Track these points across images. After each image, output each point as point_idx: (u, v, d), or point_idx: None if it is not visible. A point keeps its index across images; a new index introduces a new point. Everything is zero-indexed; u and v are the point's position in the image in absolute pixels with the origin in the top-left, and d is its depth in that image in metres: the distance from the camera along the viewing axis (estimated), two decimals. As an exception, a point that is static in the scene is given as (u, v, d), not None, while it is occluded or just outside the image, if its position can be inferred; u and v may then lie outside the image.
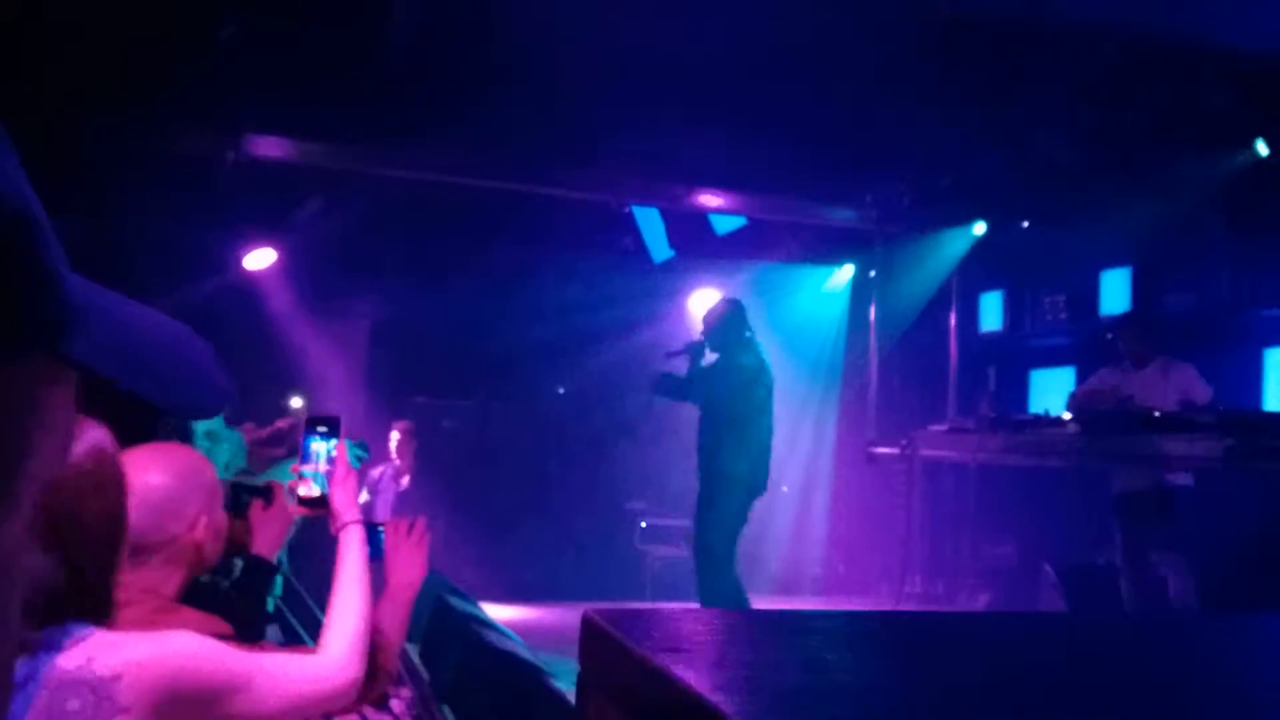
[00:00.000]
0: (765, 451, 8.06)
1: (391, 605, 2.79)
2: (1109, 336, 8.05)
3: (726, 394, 7.94)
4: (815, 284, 12.86)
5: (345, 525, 2.59)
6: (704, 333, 8.21)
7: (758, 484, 7.99)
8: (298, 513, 2.74)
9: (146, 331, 0.69)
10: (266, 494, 3.05)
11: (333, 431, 2.73)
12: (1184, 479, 7.22)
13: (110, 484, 1.88)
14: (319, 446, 2.72)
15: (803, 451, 12.60)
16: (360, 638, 2.36)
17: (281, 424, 7.47)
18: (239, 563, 3.07)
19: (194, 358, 0.72)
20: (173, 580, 2.50)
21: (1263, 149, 8.32)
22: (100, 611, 1.81)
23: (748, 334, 8.11)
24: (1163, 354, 7.55)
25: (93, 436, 1.79)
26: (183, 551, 2.53)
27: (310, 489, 2.69)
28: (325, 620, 2.40)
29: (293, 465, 2.74)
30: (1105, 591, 7.87)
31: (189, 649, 1.91)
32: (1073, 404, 7.61)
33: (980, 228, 10.72)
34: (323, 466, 2.70)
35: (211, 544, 2.61)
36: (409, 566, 2.84)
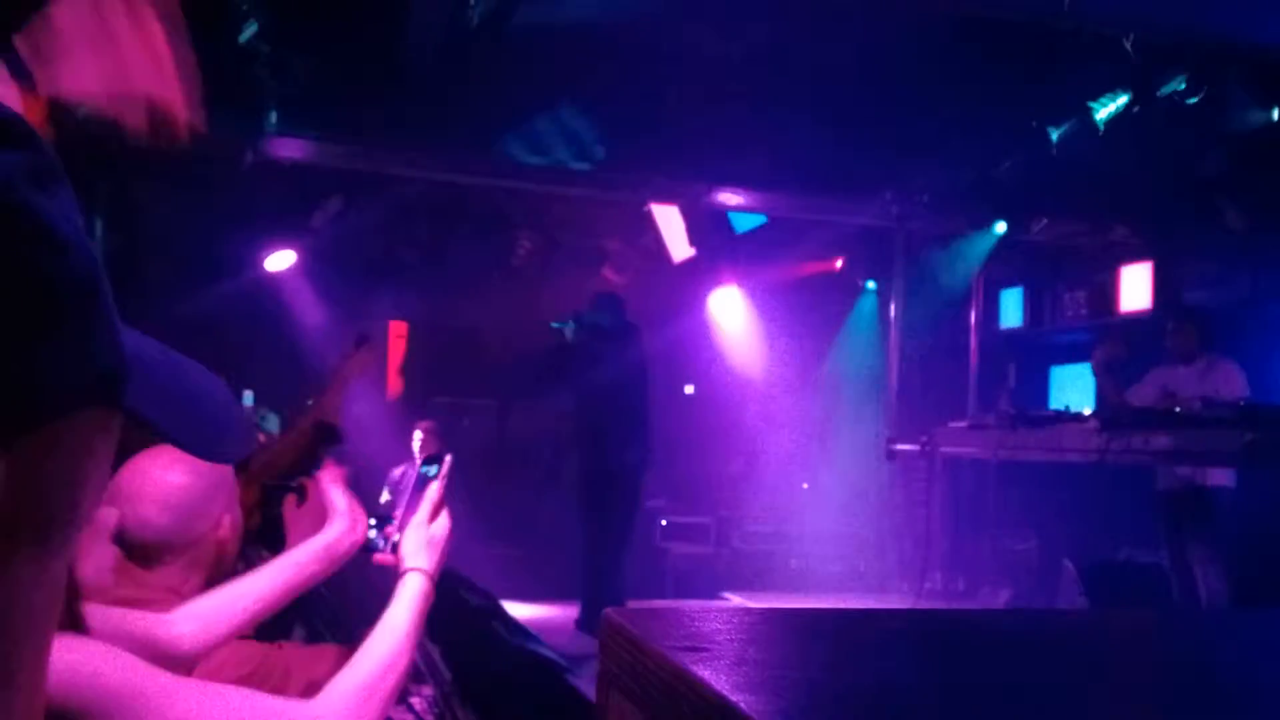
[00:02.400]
0: None
1: None
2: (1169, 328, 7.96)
3: (630, 381, 7.95)
4: (835, 281, 12.84)
5: (404, 571, 2.22)
6: (600, 316, 8.18)
7: None
8: (380, 561, 2.34)
9: (184, 379, 0.72)
10: (300, 492, 3.06)
11: (434, 468, 2.39)
12: (1224, 478, 7.20)
13: None
14: (409, 480, 2.37)
15: (823, 448, 12.60)
16: (370, 697, 1.91)
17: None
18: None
19: (223, 405, 0.74)
20: (193, 580, 2.52)
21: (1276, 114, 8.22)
22: None
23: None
24: (1210, 351, 7.54)
25: None
26: (207, 551, 2.54)
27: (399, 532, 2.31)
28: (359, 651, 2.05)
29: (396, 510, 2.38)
30: (1126, 587, 7.86)
31: (90, 665, 1.54)
32: (1115, 398, 7.57)
33: (1001, 226, 10.68)
34: (403, 502, 2.35)
35: (233, 544, 2.63)
36: None
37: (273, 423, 7.44)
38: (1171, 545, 7.51)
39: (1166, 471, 7.38)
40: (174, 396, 0.69)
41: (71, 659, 1.50)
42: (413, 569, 2.23)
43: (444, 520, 2.33)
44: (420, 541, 2.27)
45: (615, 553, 8.07)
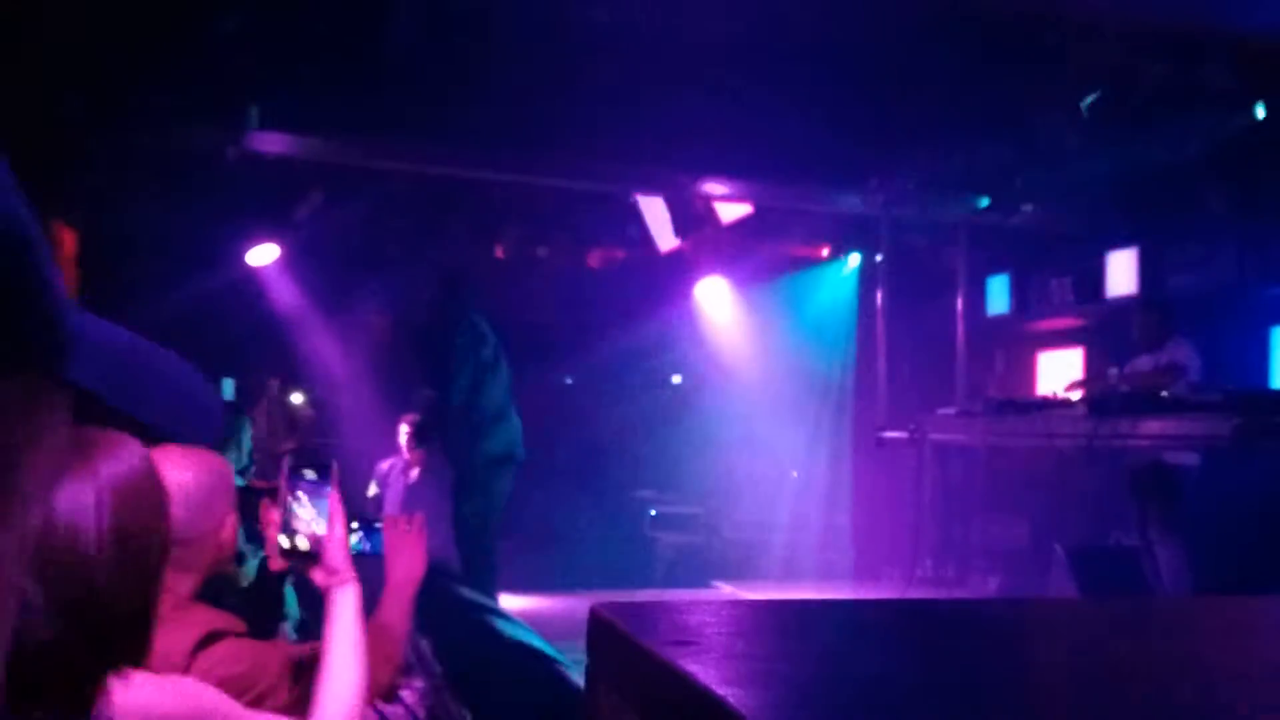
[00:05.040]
0: None
1: (394, 601, 2.82)
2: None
3: (475, 376, 7.79)
4: (821, 270, 12.85)
5: (345, 583, 2.32)
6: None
7: None
8: (277, 567, 2.38)
9: (143, 357, 0.70)
10: (277, 494, 3.06)
11: (324, 475, 2.38)
12: (1190, 458, 7.27)
13: (161, 505, 1.69)
14: (305, 491, 2.36)
15: (811, 437, 12.61)
16: (355, 710, 2.17)
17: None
18: (255, 561, 3.07)
19: (189, 385, 0.72)
20: (191, 579, 2.52)
21: (1260, 112, 8.25)
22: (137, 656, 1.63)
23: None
24: (1176, 335, 7.58)
25: (135, 452, 1.60)
26: (208, 550, 2.54)
27: (297, 541, 2.33)
28: (319, 686, 2.20)
29: (268, 512, 2.39)
30: (1116, 572, 7.88)
31: (202, 706, 1.78)
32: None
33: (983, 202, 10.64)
34: (310, 514, 2.36)
35: (231, 547, 2.63)
36: (409, 562, 2.86)
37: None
38: (1141, 526, 7.62)
39: (1135, 450, 7.44)
40: (130, 372, 0.67)
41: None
42: (350, 580, 2.31)
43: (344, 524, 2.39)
44: (343, 552, 2.34)
45: (480, 551, 7.86)
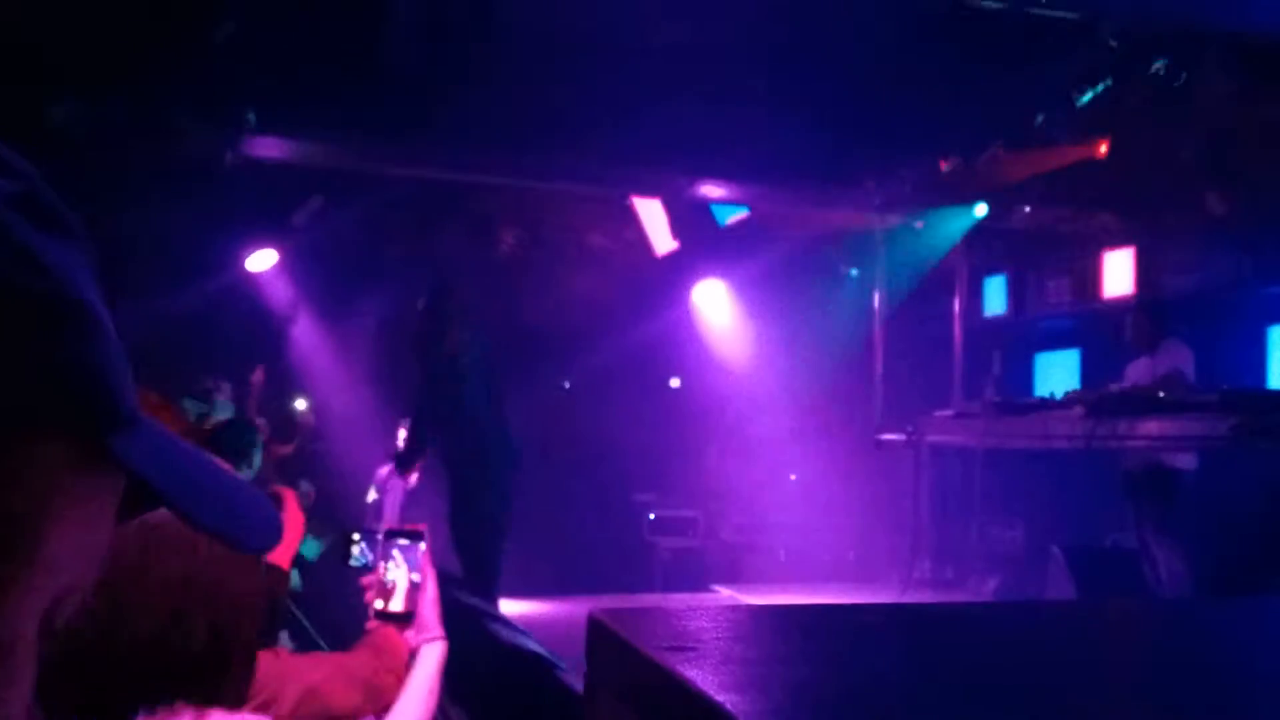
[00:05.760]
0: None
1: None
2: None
3: (459, 378, 7.60)
4: (819, 272, 12.82)
5: (433, 640, 2.47)
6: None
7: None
8: (372, 625, 2.56)
9: (206, 466, 0.69)
10: (276, 501, 3.05)
11: (416, 542, 2.56)
12: (1187, 461, 7.26)
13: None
14: (399, 557, 2.54)
15: (809, 440, 12.60)
16: None
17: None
18: None
19: (248, 497, 0.71)
20: None
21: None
22: (234, 697, 1.69)
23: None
24: (1170, 338, 7.56)
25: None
26: None
27: (391, 604, 2.51)
28: None
29: (365, 577, 2.57)
30: (1113, 573, 7.88)
31: None
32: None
33: (981, 209, 10.62)
34: (404, 578, 2.53)
35: None
36: None
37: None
38: (1138, 528, 7.61)
39: (1132, 452, 7.43)
40: (193, 473, 0.66)
41: None
42: (437, 638, 2.45)
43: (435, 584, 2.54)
44: (434, 611, 2.48)
45: (479, 556, 7.74)
